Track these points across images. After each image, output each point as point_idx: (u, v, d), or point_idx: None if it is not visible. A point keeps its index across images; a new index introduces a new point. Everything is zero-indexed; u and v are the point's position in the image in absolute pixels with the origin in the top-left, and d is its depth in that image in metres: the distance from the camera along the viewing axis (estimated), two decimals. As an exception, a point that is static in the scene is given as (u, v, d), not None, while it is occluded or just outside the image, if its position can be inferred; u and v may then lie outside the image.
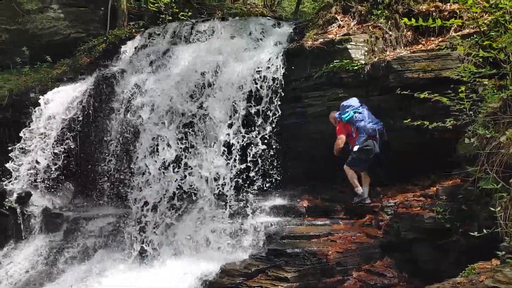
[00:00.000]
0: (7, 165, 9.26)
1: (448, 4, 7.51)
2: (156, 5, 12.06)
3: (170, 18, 11.88)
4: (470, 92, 5.00)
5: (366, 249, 6.04)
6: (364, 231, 6.46)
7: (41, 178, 9.23)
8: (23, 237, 8.74)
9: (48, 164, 9.22)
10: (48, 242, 8.41)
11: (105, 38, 11.67)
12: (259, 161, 7.79)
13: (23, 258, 8.25)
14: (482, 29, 5.35)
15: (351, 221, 6.87)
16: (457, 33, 6.95)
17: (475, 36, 6.42)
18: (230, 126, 7.99)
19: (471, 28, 6.76)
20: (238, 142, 7.82)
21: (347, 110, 7.06)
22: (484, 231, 3.87)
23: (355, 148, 6.96)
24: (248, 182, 7.78)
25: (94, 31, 12.29)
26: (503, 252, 3.66)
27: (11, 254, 8.55)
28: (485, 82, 5.14)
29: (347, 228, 6.66)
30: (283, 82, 8.03)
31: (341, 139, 7.12)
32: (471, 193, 4.83)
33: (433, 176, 6.83)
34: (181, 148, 8.11)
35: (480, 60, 5.31)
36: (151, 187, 7.99)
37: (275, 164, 7.86)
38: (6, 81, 11.19)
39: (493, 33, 5.59)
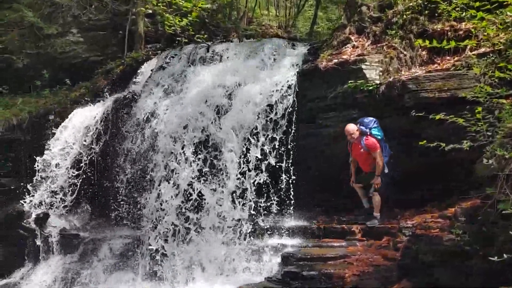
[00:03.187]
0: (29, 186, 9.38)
1: (463, 23, 7.45)
2: (172, 28, 12.24)
3: (186, 40, 12.06)
4: (487, 113, 4.93)
5: (383, 271, 5.92)
6: (381, 253, 6.34)
7: (58, 200, 9.33)
8: (41, 258, 8.81)
9: (65, 185, 9.32)
10: (65, 264, 8.47)
11: (122, 61, 11.90)
12: (274, 181, 7.79)
13: (40, 280, 8.31)
14: (498, 48, 5.30)
15: (368, 242, 6.75)
16: (473, 52, 6.87)
17: (491, 55, 6.36)
18: (246, 147, 8.02)
19: (487, 47, 6.70)
20: (253, 164, 7.82)
21: (375, 126, 6.98)
22: (505, 255, 3.76)
23: (386, 170, 6.91)
24: (263, 203, 7.76)
25: (112, 54, 12.54)
26: (524, 278, 3.56)
27: (29, 275, 8.62)
28: (503, 102, 5.06)
29: (364, 250, 6.55)
30: (298, 103, 8.06)
31: (381, 154, 6.90)
32: (491, 216, 4.71)
33: (451, 197, 6.71)
34: (196, 170, 8.15)
35: (497, 80, 5.25)
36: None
37: (291, 185, 7.85)
38: (26, 103, 11.42)
39: (510, 52, 5.54)
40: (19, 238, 9.13)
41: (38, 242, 8.92)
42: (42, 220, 9.11)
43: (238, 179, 7.81)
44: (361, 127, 7.01)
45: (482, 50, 6.84)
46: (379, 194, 7.02)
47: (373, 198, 7.08)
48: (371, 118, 7.05)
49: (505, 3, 4.63)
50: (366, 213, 7.28)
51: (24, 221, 9.07)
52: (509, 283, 3.82)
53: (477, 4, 4.80)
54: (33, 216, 9.16)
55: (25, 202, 9.34)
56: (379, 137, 6.94)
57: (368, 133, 6.95)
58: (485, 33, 5.75)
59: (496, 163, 4.53)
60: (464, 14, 5.34)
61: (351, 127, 7.02)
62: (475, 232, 5.02)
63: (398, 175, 7.00)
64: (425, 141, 5.27)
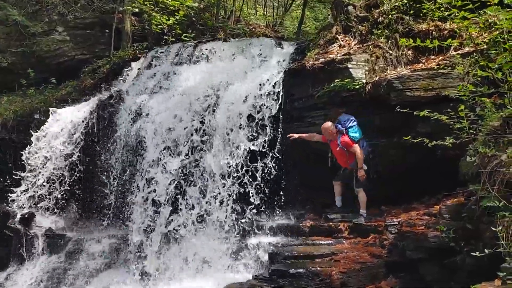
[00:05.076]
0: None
1: (448, 23, 7.55)
2: (159, 26, 12.23)
3: (173, 39, 12.04)
4: (470, 111, 5.01)
5: (370, 268, 5.98)
6: (368, 251, 6.39)
7: (45, 199, 9.23)
8: (26, 259, 8.71)
9: (52, 185, 9.23)
10: (51, 264, 8.38)
11: (109, 59, 11.81)
12: (261, 180, 7.80)
13: (25, 280, 8.22)
14: (480, 48, 5.37)
15: (355, 240, 6.81)
16: (457, 52, 6.97)
17: (474, 54, 6.46)
18: (233, 146, 8.02)
19: (470, 46, 6.80)
20: (239, 164, 7.83)
21: (353, 125, 7.12)
22: (486, 251, 3.83)
23: (365, 167, 7.08)
24: (251, 201, 7.76)
25: (99, 52, 12.44)
26: (504, 273, 3.61)
27: (14, 276, 8.51)
28: (485, 101, 5.14)
29: (351, 247, 6.59)
30: (285, 102, 8.08)
31: (358, 148, 7.09)
32: (474, 212, 4.79)
33: (438, 195, 6.80)
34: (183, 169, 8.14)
35: (479, 79, 5.33)
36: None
37: (278, 183, 7.87)
38: (11, 103, 11.29)
39: (492, 52, 5.62)
40: (4, 238, 9.02)
41: (23, 243, 8.82)
42: (27, 220, 8.99)
43: (225, 177, 7.80)
44: (338, 125, 7.19)
45: (466, 49, 6.94)
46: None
47: (359, 195, 7.19)
48: (348, 117, 7.21)
49: (488, 3, 4.69)
50: (340, 211, 7.42)
51: (9, 221, 8.96)
52: (494, 278, 3.88)
53: (459, 3, 4.87)
54: (19, 216, 9.04)
55: (12, 199, 9.22)
56: (356, 139, 7.10)
57: (345, 132, 7.12)
58: (468, 33, 5.82)
59: (479, 161, 4.61)
60: (447, 13, 5.40)
61: (327, 125, 7.25)
62: (460, 228, 5.09)
63: (386, 172, 7.07)
64: (409, 137, 5.35)
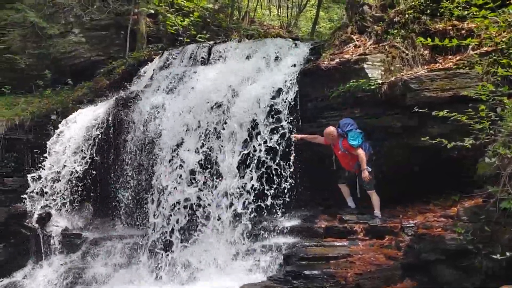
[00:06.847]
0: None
1: (466, 22, 7.45)
2: (174, 27, 12.32)
3: (188, 40, 12.12)
4: (489, 111, 4.93)
5: (386, 270, 5.91)
6: (384, 253, 6.34)
7: (61, 199, 9.33)
8: (43, 258, 8.81)
9: (68, 185, 9.32)
10: (67, 263, 8.46)
11: (124, 60, 11.91)
12: (275, 181, 7.78)
13: (42, 279, 8.31)
14: (500, 47, 5.28)
15: (370, 242, 6.74)
16: (475, 51, 6.88)
17: (493, 54, 6.36)
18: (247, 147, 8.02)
19: (489, 46, 6.70)
20: (254, 163, 7.82)
21: (350, 129, 7.11)
22: (507, 253, 3.76)
23: (369, 169, 7.05)
24: (265, 203, 7.75)
25: (114, 54, 12.58)
26: (525, 277, 3.55)
27: (31, 275, 8.61)
28: (505, 101, 5.05)
29: (366, 249, 6.54)
30: (299, 102, 8.05)
31: (361, 150, 7.08)
32: (493, 214, 4.71)
33: (453, 196, 6.72)
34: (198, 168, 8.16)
35: (499, 78, 5.25)
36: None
37: (292, 184, 7.84)
38: (28, 103, 11.44)
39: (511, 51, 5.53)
40: (22, 237, 9.13)
41: (41, 242, 8.92)
42: (44, 219, 9.10)
43: (240, 178, 7.80)
44: (339, 129, 7.22)
45: (485, 49, 6.84)
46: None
47: (372, 196, 7.16)
48: (348, 121, 7.22)
49: (507, 2, 4.61)
50: (353, 212, 7.40)
51: (27, 220, 9.07)
52: (512, 282, 3.81)
53: (480, 1, 4.79)
54: (36, 215, 9.16)
55: (28, 198, 9.32)
56: (355, 146, 7.06)
57: (345, 136, 7.14)
58: (488, 32, 5.74)
59: (499, 162, 4.53)
60: (466, 12, 5.33)
61: (329, 130, 7.29)
62: (478, 231, 5.00)
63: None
64: (427, 137, 5.28)
